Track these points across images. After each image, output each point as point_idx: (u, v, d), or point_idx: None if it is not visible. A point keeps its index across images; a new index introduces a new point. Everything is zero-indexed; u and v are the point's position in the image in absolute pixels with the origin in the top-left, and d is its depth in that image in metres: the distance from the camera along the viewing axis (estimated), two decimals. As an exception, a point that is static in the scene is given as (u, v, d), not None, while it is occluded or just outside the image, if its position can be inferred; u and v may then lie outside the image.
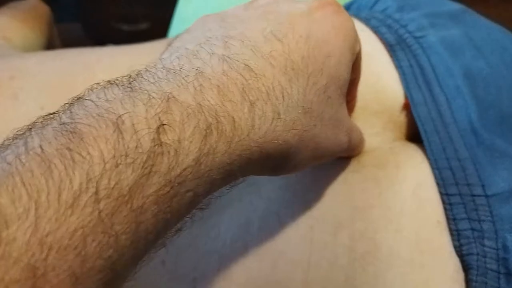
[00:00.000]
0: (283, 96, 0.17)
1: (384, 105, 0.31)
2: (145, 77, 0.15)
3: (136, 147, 0.13)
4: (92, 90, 0.15)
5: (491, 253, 0.25)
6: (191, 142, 0.14)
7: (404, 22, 0.36)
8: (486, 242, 0.25)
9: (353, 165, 0.27)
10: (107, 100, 0.14)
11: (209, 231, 0.26)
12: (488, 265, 0.24)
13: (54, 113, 0.14)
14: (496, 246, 0.25)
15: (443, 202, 0.26)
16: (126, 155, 0.13)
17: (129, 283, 0.25)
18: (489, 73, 0.32)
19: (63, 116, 0.14)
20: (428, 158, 0.28)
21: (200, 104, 0.15)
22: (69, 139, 0.13)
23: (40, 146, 0.13)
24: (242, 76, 0.16)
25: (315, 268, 0.24)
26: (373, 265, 0.24)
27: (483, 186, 0.26)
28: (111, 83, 0.15)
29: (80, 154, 0.12)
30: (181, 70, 0.16)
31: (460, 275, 0.25)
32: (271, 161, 0.18)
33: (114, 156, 0.13)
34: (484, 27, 0.36)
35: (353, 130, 0.23)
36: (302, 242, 0.25)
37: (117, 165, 0.13)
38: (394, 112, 0.31)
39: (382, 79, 0.32)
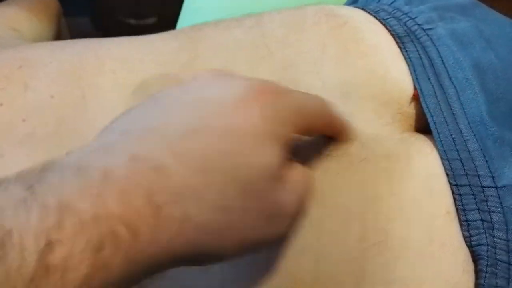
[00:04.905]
0: (195, 198, 0.16)
1: (393, 96, 0.31)
2: (51, 176, 0.15)
3: (20, 266, 0.12)
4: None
5: (501, 244, 0.25)
6: (81, 259, 0.13)
7: (413, 14, 0.35)
8: (496, 233, 0.25)
9: (364, 154, 0.27)
10: (6, 199, 0.14)
11: None
12: (498, 256, 0.24)
13: None
14: (507, 237, 0.25)
15: (453, 192, 0.26)
16: (8, 277, 0.12)
17: None
18: (499, 65, 0.32)
19: None
20: (437, 149, 0.28)
21: (96, 213, 0.14)
22: None
23: None
24: (149, 176, 0.16)
25: (325, 257, 0.24)
26: (383, 255, 0.24)
27: (493, 177, 0.26)
28: (17, 178, 0.15)
29: None
30: (88, 167, 0.15)
31: (470, 266, 0.25)
32: (185, 260, 0.17)
33: None
34: (494, 21, 0.36)
35: (300, 212, 0.21)
36: (312, 232, 0.25)
37: None
38: (402, 103, 0.31)
39: (390, 71, 0.32)
